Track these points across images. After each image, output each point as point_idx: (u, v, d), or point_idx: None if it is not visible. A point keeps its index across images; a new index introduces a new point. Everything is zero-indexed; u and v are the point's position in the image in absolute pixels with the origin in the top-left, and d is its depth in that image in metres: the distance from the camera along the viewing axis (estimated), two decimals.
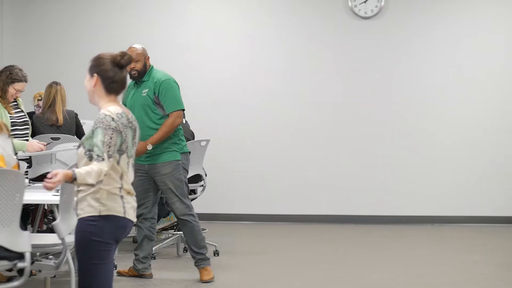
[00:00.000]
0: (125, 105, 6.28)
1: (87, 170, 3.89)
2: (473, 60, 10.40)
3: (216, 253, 8.02)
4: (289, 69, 10.63)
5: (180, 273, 7.23)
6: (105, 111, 4.05)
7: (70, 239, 4.78)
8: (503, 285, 6.88)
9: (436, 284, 6.88)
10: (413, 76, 10.46)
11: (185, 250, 8.11)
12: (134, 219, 4.17)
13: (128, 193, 4.12)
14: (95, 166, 3.90)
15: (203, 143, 8.26)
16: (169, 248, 8.26)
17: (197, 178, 8.28)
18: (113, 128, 4.00)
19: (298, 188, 10.56)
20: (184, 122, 8.24)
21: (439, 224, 10.36)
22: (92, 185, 3.96)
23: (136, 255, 7.00)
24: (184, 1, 10.75)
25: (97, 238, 4.02)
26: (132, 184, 4.20)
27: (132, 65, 6.60)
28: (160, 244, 7.96)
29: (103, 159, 3.92)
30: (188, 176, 7.43)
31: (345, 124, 10.56)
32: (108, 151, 3.95)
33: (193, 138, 8.48)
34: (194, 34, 10.69)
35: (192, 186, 8.01)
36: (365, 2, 10.41)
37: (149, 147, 6.65)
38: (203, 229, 7.51)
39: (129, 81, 6.74)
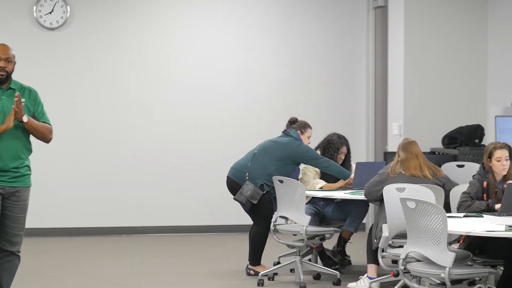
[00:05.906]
0: None
1: None
2: (162, 68, 10.68)
3: None
4: None
5: None
6: None
7: None
8: None
9: None
10: (101, 88, 10.55)
11: None
12: None
13: None
14: None
15: None
16: None
17: None
18: None
19: None
20: None
21: (129, 235, 10.57)
22: None
23: None
24: None
25: None
26: None
27: (2, 64, 5.59)
28: None
29: None
30: None
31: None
32: None
33: None
34: None
35: None
36: (50, 13, 10.34)
37: (25, 119, 5.57)
38: None
39: None
